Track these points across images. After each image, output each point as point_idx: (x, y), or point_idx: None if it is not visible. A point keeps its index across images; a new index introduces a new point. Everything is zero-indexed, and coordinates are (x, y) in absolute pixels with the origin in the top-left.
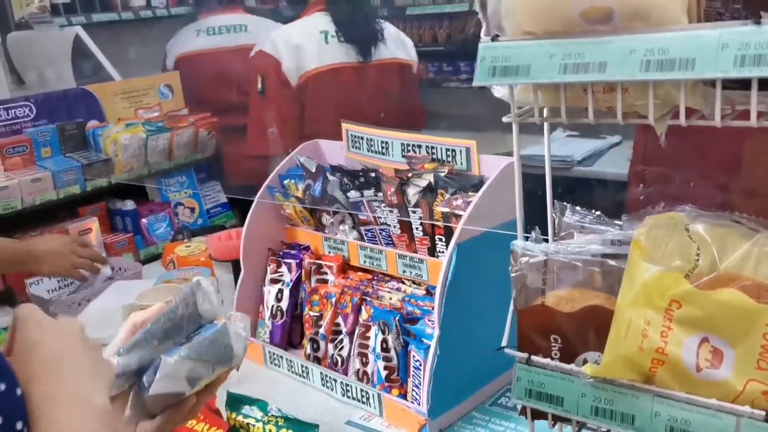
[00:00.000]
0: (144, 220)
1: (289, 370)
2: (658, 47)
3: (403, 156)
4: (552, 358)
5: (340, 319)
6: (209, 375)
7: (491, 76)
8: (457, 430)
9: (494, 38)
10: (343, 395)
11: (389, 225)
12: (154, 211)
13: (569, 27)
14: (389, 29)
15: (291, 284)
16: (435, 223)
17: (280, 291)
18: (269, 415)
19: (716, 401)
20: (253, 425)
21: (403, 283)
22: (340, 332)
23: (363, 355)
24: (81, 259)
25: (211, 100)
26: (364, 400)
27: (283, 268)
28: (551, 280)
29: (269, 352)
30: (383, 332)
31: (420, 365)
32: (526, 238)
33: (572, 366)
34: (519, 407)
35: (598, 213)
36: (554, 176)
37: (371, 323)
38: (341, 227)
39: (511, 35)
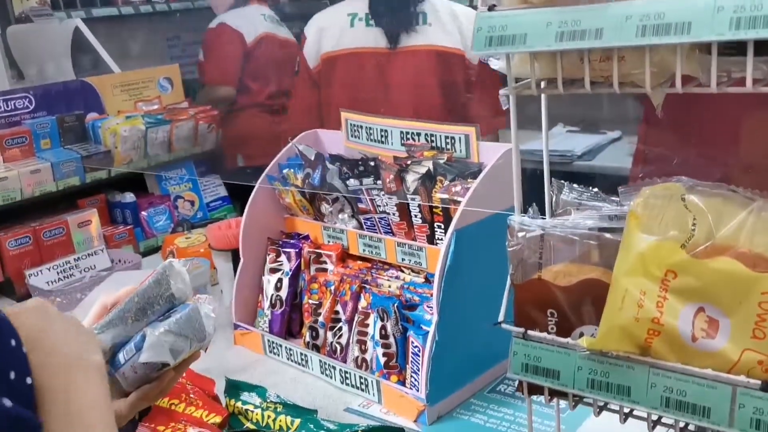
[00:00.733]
0: (144, 213)
1: (288, 359)
2: (654, 12)
3: (403, 144)
4: (549, 332)
5: (339, 307)
6: (188, 350)
7: (488, 46)
8: (455, 417)
9: (491, 8)
10: (342, 383)
11: (388, 213)
12: (154, 203)
13: None
14: (444, 10)
15: (290, 273)
16: (433, 206)
17: (280, 280)
18: (268, 401)
19: (712, 371)
20: (252, 411)
21: (402, 271)
22: (339, 320)
23: (362, 342)
24: None
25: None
26: (363, 387)
27: (283, 257)
28: (548, 254)
29: (268, 341)
30: (382, 319)
31: (419, 351)
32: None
33: (568, 339)
34: (516, 383)
35: (595, 190)
36: (554, 171)
37: (370, 310)
38: (340, 216)
39: (509, 5)
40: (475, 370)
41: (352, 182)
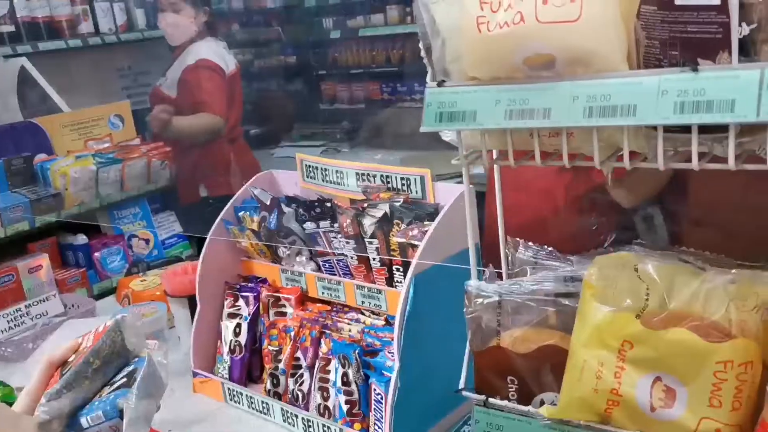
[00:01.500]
0: (97, 254)
1: (249, 407)
2: (600, 93)
3: (358, 186)
4: (510, 400)
5: (299, 353)
6: (155, 409)
7: (438, 122)
8: None
9: (440, 83)
10: (305, 431)
11: (346, 255)
12: (108, 244)
13: (513, 73)
14: None
15: (249, 318)
16: (391, 258)
17: (239, 325)
18: None
19: None
20: None
21: (363, 313)
22: (300, 366)
23: (324, 390)
24: None
25: None
26: None
27: (241, 302)
28: (506, 319)
29: (228, 388)
30: (343, 366)
31: (381, 398)
32: (481, 271)
33: (529, 408)
34: None
35: (550, 249)
36: None
37: (331, 356)
38: (298, 258)
39: (457, 80)
40: (438, 412)
41: (309, 225)
